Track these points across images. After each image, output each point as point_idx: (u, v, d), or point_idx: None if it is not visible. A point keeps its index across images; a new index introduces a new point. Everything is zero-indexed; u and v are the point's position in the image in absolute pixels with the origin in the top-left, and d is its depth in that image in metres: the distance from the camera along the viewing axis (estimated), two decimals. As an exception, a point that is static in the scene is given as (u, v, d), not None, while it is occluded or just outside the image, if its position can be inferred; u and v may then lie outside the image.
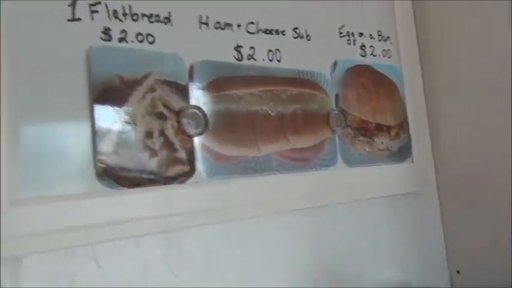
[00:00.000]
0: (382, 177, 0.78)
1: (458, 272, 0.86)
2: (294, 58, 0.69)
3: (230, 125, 0.60)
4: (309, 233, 0.68)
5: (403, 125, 0.84)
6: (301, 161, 0.68)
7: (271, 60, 0.66)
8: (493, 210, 0.80)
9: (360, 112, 0.77)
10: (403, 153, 0.83)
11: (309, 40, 0.72)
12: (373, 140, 0.78)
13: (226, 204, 0.58)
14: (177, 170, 0.55)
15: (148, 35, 0.55)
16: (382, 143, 0.79)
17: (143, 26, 0.55)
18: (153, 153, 0.53)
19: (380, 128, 0.79)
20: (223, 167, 0.59)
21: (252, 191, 0.61)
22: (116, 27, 0.53)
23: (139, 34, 0.54)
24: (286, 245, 0.65)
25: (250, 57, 0.64)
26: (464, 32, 0.85)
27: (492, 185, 0.81)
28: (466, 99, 0.84)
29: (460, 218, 0.86)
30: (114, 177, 0.50)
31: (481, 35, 0.82)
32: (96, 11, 0.52)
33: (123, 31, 0.53)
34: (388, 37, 0.85)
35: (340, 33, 0.77)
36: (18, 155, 0.45)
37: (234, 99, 0.61)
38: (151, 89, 0.54)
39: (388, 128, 0.81)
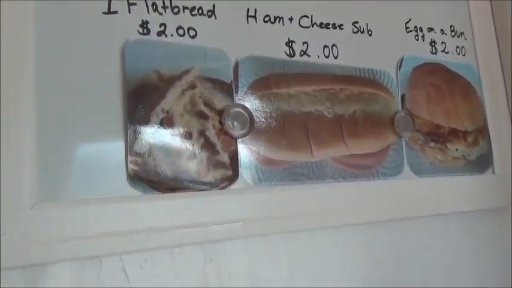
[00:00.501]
0: (458, 190, 0.68)
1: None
2: (353, 55, 0.62)
3: (279, 127, 0.54)
4: (368, 251, 0.60)
5: (482, 131, 0.73)
6: (361, 168, 0.60)
7: (327, 57, 0.60)
8: None
9: (431, 115, 0.68)
10: (482, 162, 0.72)
11: (370, 35, 0.65)
12: (447, 147, 0.68)
13: (273, 214, 0.52)
14: (218, 174, 0.50)
15: (190, 28, 0.51)
16: (457, 150, 0.69)
17: (184, 19, 0.51)
18: (192, 155, 0.48)
19: (454, 134, 0.70)
20: (271, 173, 0.53)
21: (304, 200, 0.54)
22: (154, 21, 0.49)
23: (180, 27, 0.50)
24: (338, 263, 0.57)
25: (303, 53, 0.58)
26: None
27: None
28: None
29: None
30: (147, 181, 0.45)
31: None
32: (134, 4, 0.48)
33: (163, 24, 0.49)
34: (462, 33, 0.76)
35: (407, 28, 0.69)
36: (45, 155, 0.42)
37: (284, 98, 0.55)
38: (192, 86, 0.49)
39: (465, 134, 0.71)
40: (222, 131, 0.51)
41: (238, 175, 0.51)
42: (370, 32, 0.65)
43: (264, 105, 0.54)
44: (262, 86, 0.54)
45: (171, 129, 0.48)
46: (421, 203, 0.64)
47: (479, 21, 0.78)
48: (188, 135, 0.48)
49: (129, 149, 0.45)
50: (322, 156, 0.57)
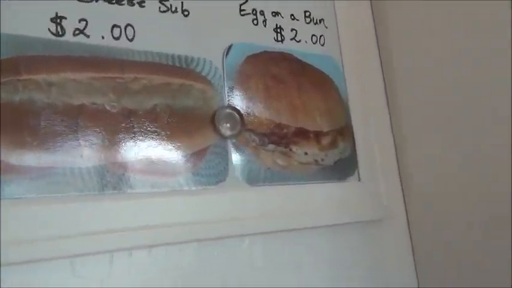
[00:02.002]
0: (307, 201, 0.56)
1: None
2: (159, 38, 0.51)
3: (30, 123, 0.42)
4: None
5: (343, 131, 0.63)
6: (161, 175, 0.48)
7: (116, 38, 0.48)
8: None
9: (270, 112, 0.57)
10: (343, 168, 0.61)
11: (186, 16, 0.53)
12: (291, 150, 0.57)
13: (24, 237, 0.39)
14: None
15: None
16: (306, 154, 0.58)
17: None
18: None
19: (303, 134, 0.58)
20: (11, 183, 0.40)
21: (70, 218, 0.42)
22: None
23: None
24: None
25: (79, 32, 0.46)
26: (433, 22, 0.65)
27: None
28: (441, 97, 0.62)
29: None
30: None
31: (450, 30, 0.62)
32: None
33: None
34: (321, 20, 0.66)
35: (242, 10, 0.58)
36: None
37: (41, 86, 0.43)
38: None
39: (318, 135, 0.60)
40: None
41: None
42: (186, 13, 0.53)
43: (6, 95, 0.41)
44: (6, 70, 0.42)
45: None
46: (253, 218, 0.52)
47: (344, 6, 0.68)
48: None
49: None
50: (98, 161, 0.44)
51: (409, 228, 0.66)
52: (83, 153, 0.44)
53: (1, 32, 0.42)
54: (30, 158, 0.41)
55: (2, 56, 0.42)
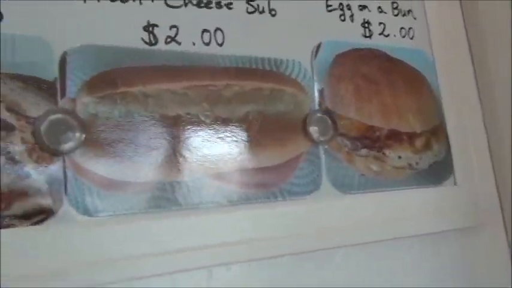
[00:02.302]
0: (403, 208, 0.53)
1: None
2: (247, 41, 0.49)
3: (129, 137, 0.41)
4: None
5: (437, 132, 0.58)
6: (256, 187, 0.46)
7: (206, 44, 0.46)
8: None
9: (361, 114, 0.53)
10: (438, 171, 0.57)
11: (273, 16, 0.51)
12: (384, 154, 0.54)
13: (114, 256, 0.38)
14: (28, 205, 0.36)
15: (-8, 11, 0.38)
16: (399, 157, 0.55)
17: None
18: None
19: (396, 137, 0.55)
20: (115, 199, 0.39)
21: (168, 234, 0.41)
22: None
23: (-25, 10, 0.38)
24: None
25: (171, 39, 0.45)
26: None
27: None
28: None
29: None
30: None
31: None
32: None
33: None
34: (409, 10, 0.61)
35: (328, 6, 0.55)
36: None
37: (138, 99, 0.42)
38: (-12, 87, 0.37)
39: (411, 137, 0.56)
40: (37, 146, 0.37)
41: (61, 205, 0.38)
42: (273, 12, 0.51)
43: (106, 110, 0.41)
44: (104, 84, 0.41)
45: None
46: (348, 228, 0.49)
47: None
48: (-24, 154, 0.35)
49: None
50: (196, 174, 0.43)
51: (506, 234, 0.62)
52: (181, 167, 0.42)
53: (98, 44, 0.41)
54: (131, 173, 0.40)
55: (99, 69, 0.41)
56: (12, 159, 0.36)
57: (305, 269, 0.49)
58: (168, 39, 0.44)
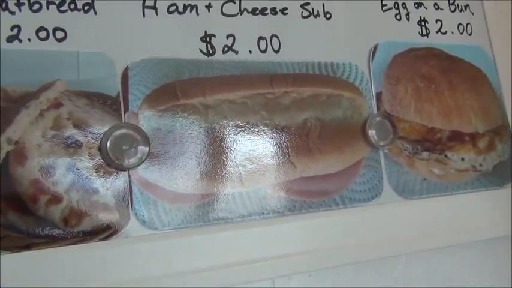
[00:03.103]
0: (468, 212, 0.51)
1: None
2: (303, 46, 0.48)
3: (190, 149, 0.41)
4: None
5: (500, 131, 0.56)
6: (317, 195, 0.45)
7: (263, 52, 0.46)
8: None
9: (421, 116, 0.51)
10: (502, 173, 0.55)
11: (328, 19, 0.50)
12: (447, 157, 0.52)
13: (181, 269, 0.38)
14: (96, 221, 0.37)
15: (57, 29, 0.39)
16: (462, 160, 0.52)
17: (49, 17, 0.38)
18: (54, 199, 0.36)
19: (458, 138, 0.53)
20: (178, 211, 0.39)
21: (231, 246, 0.40)
22: (3, 23, 0.37)
23: (41, 29, 0.38)
24: None
25: (228, 48, 0.44)
26: None
27: None
28: None
29: None
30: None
31: None
32: (-26, 3, 0.37)
33: (16, 26, 0.37)
34: (466, 5, 0.58)
35: (383, 5, 0.53)
36: None
37: (199, 110, 0.42)
38: (55, 105, 0.37)
39: (473, 137, 0.54)
40: (103, 162, 0.38)
41: (128, 219, 0.38)
42: (328, 15, 0.50)
43: (168, 122, 0.41)
44: (165, 96, 0.41)
45: (20, 167, 0.35)
46: (411, 235, 0.48)
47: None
48: (47, 173, 0.36)
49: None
50: (257, 184, 0.43)
51: None
52: (242, 178, 0.42)
53: (158, 57, 0.41)
54: (193, 186, 0.40)
55: (160, 82, 0.41)
56: (80, 176, 0.37)
57: (367, 278, 0.48)
58: (226, 49, 0.44)
